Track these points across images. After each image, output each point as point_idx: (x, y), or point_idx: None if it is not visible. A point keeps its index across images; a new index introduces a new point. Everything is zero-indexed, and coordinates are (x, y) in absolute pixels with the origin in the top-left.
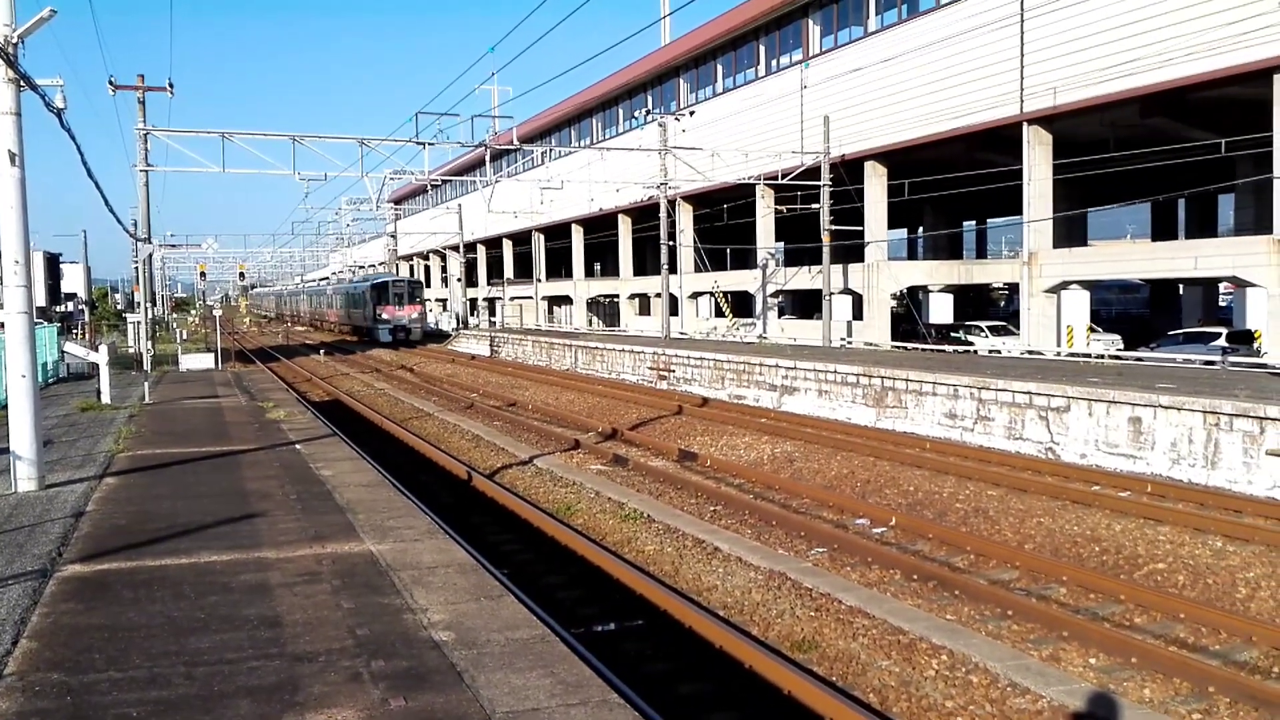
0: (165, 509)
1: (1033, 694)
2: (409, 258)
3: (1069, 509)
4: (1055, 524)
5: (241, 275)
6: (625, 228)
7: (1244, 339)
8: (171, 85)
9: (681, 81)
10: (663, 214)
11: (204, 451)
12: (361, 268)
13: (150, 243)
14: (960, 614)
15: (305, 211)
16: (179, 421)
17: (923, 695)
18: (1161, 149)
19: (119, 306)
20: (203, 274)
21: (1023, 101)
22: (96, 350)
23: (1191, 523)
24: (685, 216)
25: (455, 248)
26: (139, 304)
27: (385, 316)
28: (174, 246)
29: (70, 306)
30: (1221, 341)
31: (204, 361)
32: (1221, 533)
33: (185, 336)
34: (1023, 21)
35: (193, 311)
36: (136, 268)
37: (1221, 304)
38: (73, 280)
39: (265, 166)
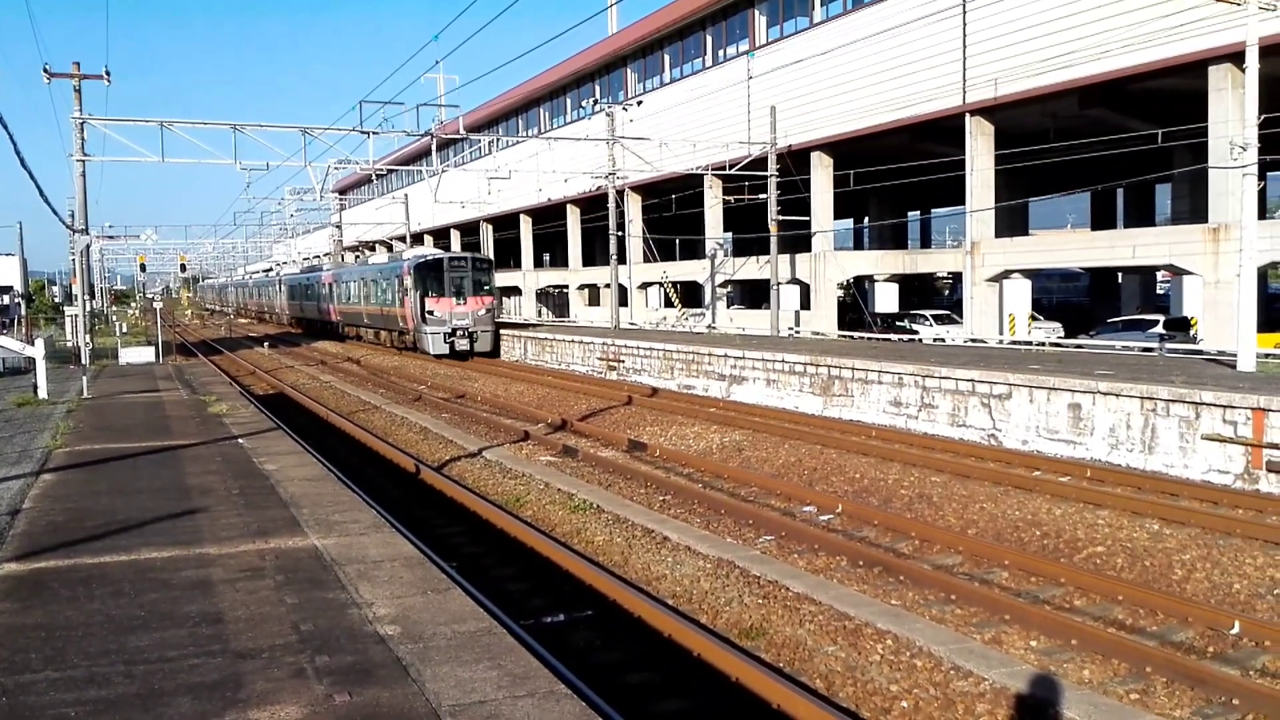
0: (104, 505)
1: (975, 676)
2: (354, 248)
3: (1011, 494)
4: (998, 509)
5: (183, 267)
6: (574, 218)
7: (1180, 326)
8: (108, 73)
9: (629, 71)
10: (611, 204)
11: (144, 447)
12: (308, 258)
13: (88, 234)
14: (905, 599)
15: (247, 202)
16: (118, 416)
17: (868, 680)
18: (1101, 139)
19: (57, 300)
20: (143, 266)
21: (965, 92)
22: (33, 344)
23: (1130, 506)
24: (634, 207)
25: (401, 238)
26: (77, 297)
27: (437, 314)
28: (112, 238)
29: (6, 300)
30: (1159, 329)
31: (144, 355)
32: (1158, 516)
33: (125, 330)
34: (965, 13)
35: (133, 304)
36: (74, 260)
37: (1159, 292)
38: (8, 273)
39: (206, 156)
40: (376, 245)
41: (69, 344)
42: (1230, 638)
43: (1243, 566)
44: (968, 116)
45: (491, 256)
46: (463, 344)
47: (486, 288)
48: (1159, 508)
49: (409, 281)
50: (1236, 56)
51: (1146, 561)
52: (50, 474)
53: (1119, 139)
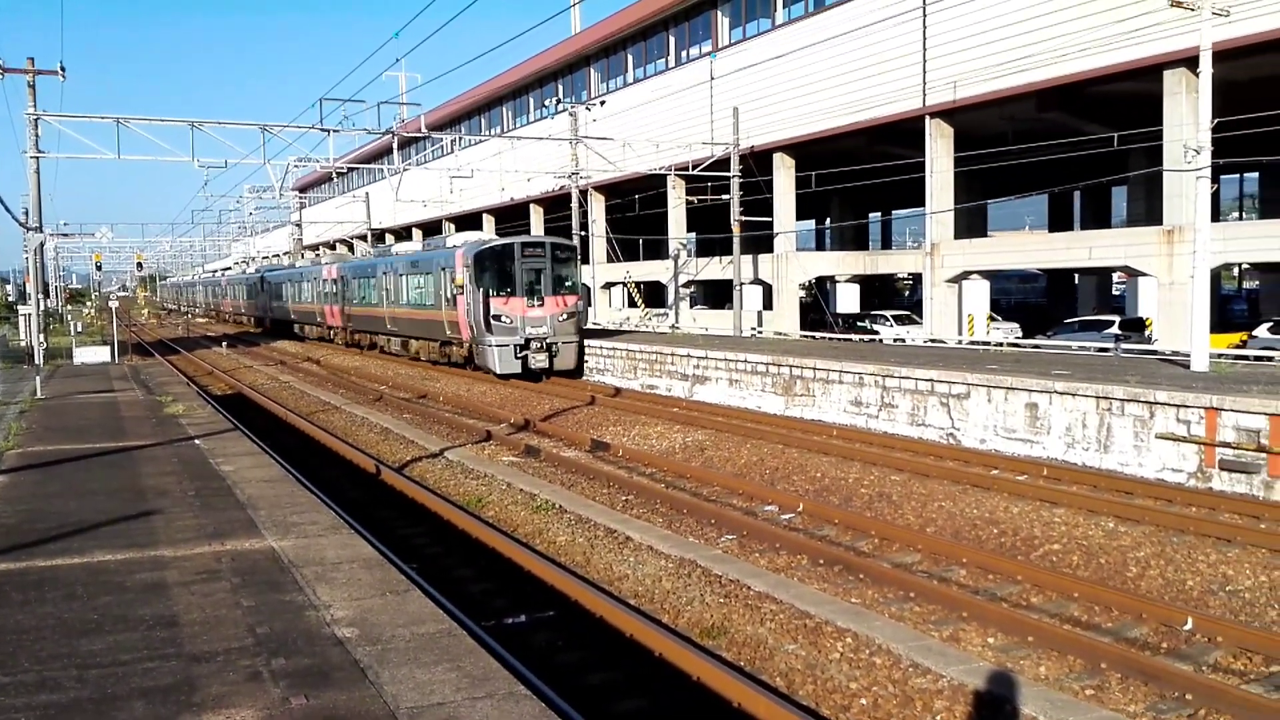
0: (57, 507)
1: (934, 674)
2: (315, 247)
3: (969, 492)
4: (956, 507)
5: (139, 265)
6: (537, 217)
7: (1136, 326)
8: (63, 68)
9: (592, 71)
10: (574, 204)
11: (98, 448)
12: (267, 257)
13: (41, 232)
14: (865, 597)
15: (205, 200)
16: (72, 417)
17: (828, 678)
18: (1058, 142)
19: (10, 298)
20: (99, 264)
21: (925, 95)
22: None
23: (1085, 505)
24: (597, 207)
25: (363, 237)
26: (31, 295)
27: (506, 319)
28: (67, 235)
29: None
30: (1115, 329)
31: (100, 355)
32: (1114, 514)
33: (80, 329)
34: (925, 16)
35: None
36: (28, 258)
37: (1115, 293)
38: None
39: (163, 153)
40: (337, 244)
41: (22, 343)
42: (1183, 634)
43: (1196, 563)
44: (927, 119)
45: (576, 242)
46: (540, 359)
47: (569, 284)
48: (1114, 506)
49: (465, 275)
50: (1190, 61)
51: (1102, 559)
52: (2, 475)
53: (1076, 142)
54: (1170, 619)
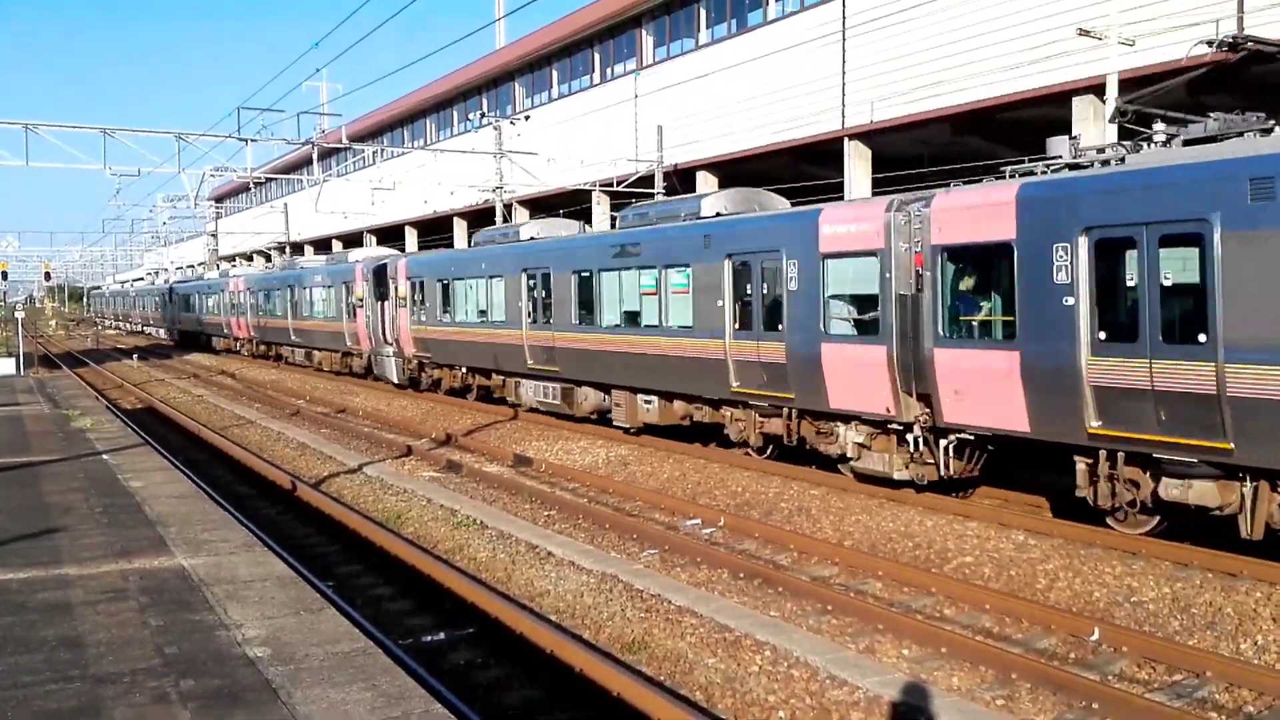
0: None
1: (850, 685)
2: (231, 258)
3: (886, 506)
4: (873, 521)
5: (47, 275)
6: (461, 230)
7: None
8: None
9: (517, 85)
10: (498, 218)
11: (0, 463)
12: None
13: None
14: (783, 610)
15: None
16: None
17: (747, 690)
18: (972, 164)
19: None
20: (3, 274)
21: (844, 117)
22: None
23: (997, 518)
24: (524, 217)
25: (281, 248)
26: None
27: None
28: None
29: None
30: None
31: (3, 367)
32: (1024, 528)
33: None
34: (844, 40)
35: None
36: None
37: None
38: None
39: (74, 161)
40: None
41: None
42: (1090, 644)
43: (1102, 575)
44: (846, 140)
45: None
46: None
47: None
48: (1024, 519)
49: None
50: (1098, 89)
51: (1012, 571)
52: None
53: (990, 165)
54: (1078, 629)
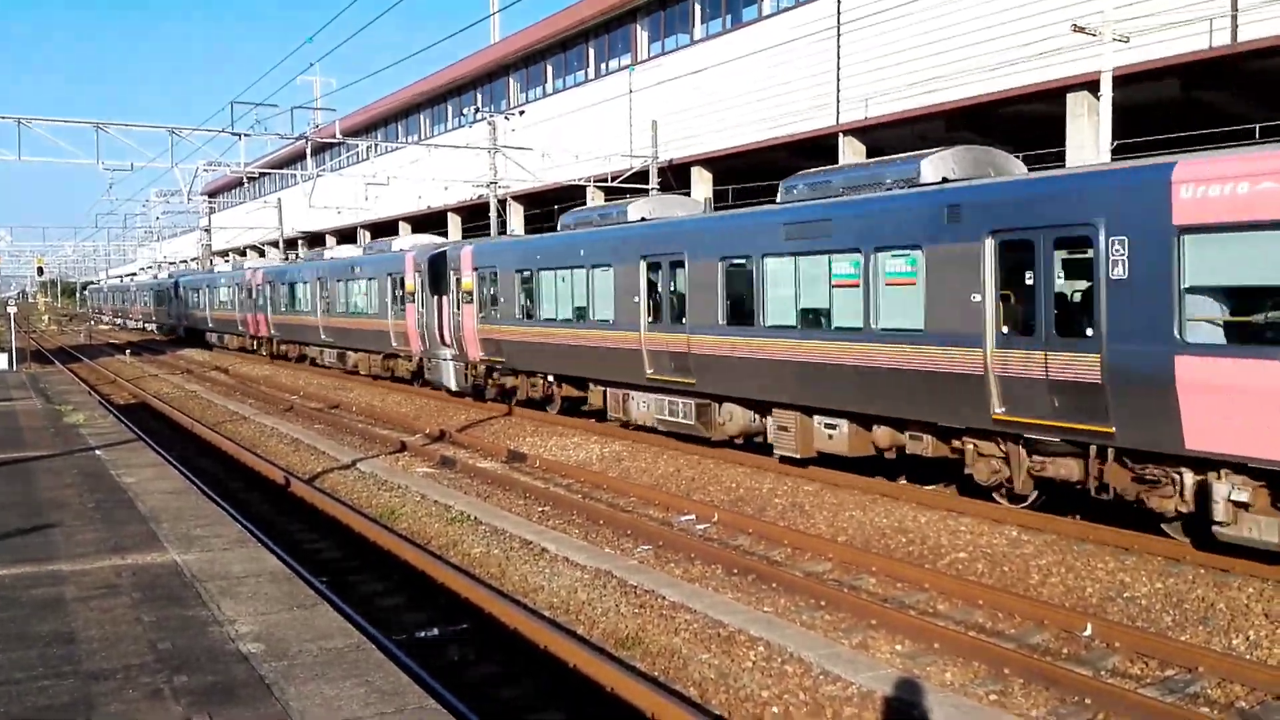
0: None
1: (843, 681)
2: (224, 253)
3: (879, 502)
4: (866, 517)
5: (40, 270)
6: (455, 226)
7: None
8: None
9: (512, 80)
10: (493, 213)
11: None
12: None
13: None
14: (777, 605)
15: (110, 203)
16: None
17: (741, 686)
18: None
19: None
20: None
21: (839, 113)
22: None
23: (990, 514)
24: (516, 216)
25: (275, 243)
26: None
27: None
28: None
29: None
30: None
31: None
32: (1017, 523)
33: None
34: (839, 35)
35: None
36: None
37: None
38: None
39: (66, 155)
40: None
41: None
42: (1083, 639)
43: (1095, 571)
44: (841, 136)
45: None
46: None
47: None
48: (1019, 515)
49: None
50: (1093, 85)
51: (1005, 567)
52: None
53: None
54: (1071, 625)
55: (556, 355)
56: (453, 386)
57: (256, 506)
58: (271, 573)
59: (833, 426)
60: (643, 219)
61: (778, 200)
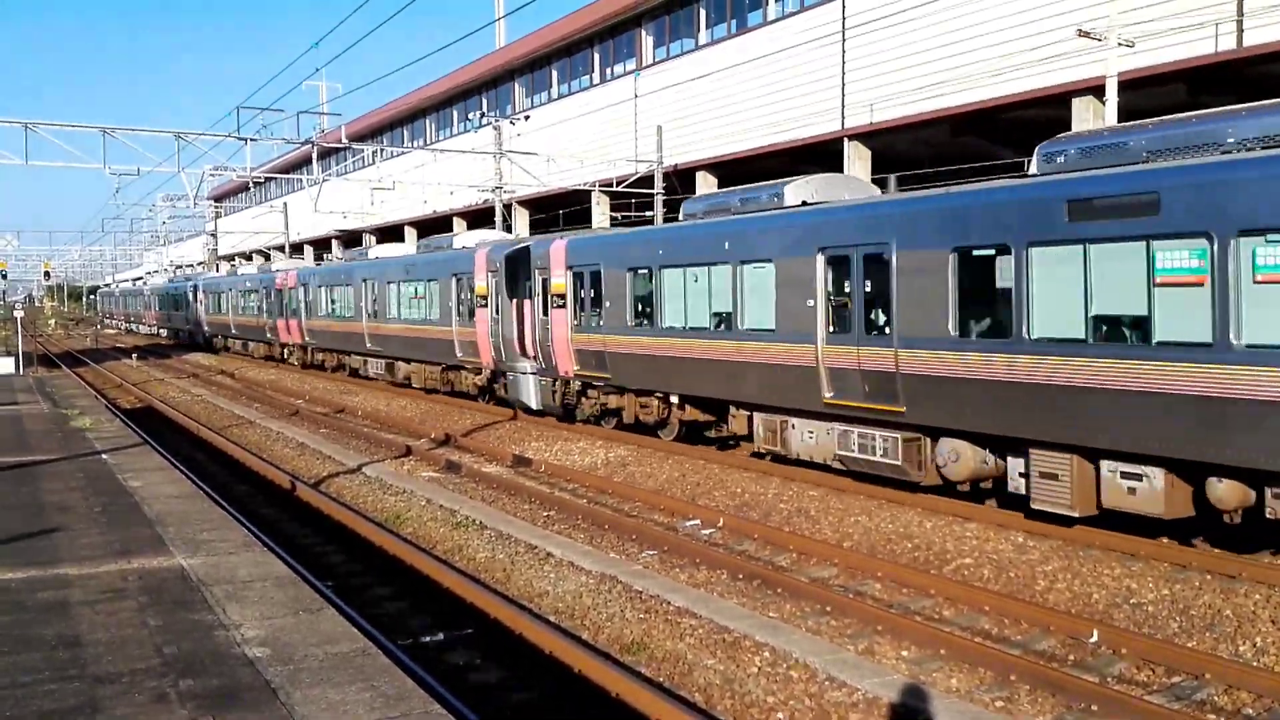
0: None
1: (849, 687)
2: (230, 258)
3: (885, 508)
4: (872, 522)
5: (47, 274)
6: (461, 230)
7: None
8: None
9: (517, 85)
10: (498, 218)
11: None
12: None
13: None
14: (782, 611)
15: (117, 208)
16: None
17: (746, 692)
18: (972, 165)
19: None
20: (3, 273)
21: (844, 118)
22: None
23: (996, 520)
24: (521, 221)
25: (280, 248)
26: None
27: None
28: None
29: None
30: None
31: (2, 366)
32: (1023, 529)
33: None
34: (844, 40)
35: None
36: None
37: None
38: None
39: (73, 159)
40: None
41: None
42: (1089, 645)
43: (1101, 577)
44: (845, 141)
45: None
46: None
47: None
48: (1024, 521)
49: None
50: (1098, 90)
51: (1011, 573)
52: None
53: (989, 165)
54: (1077, 631)
55: (683, 371)
56: (534, 405)
57: (262, 511)
58: (277, 577)
59: (1136, 478)
60: (804, 203)
61: (1031, 170)
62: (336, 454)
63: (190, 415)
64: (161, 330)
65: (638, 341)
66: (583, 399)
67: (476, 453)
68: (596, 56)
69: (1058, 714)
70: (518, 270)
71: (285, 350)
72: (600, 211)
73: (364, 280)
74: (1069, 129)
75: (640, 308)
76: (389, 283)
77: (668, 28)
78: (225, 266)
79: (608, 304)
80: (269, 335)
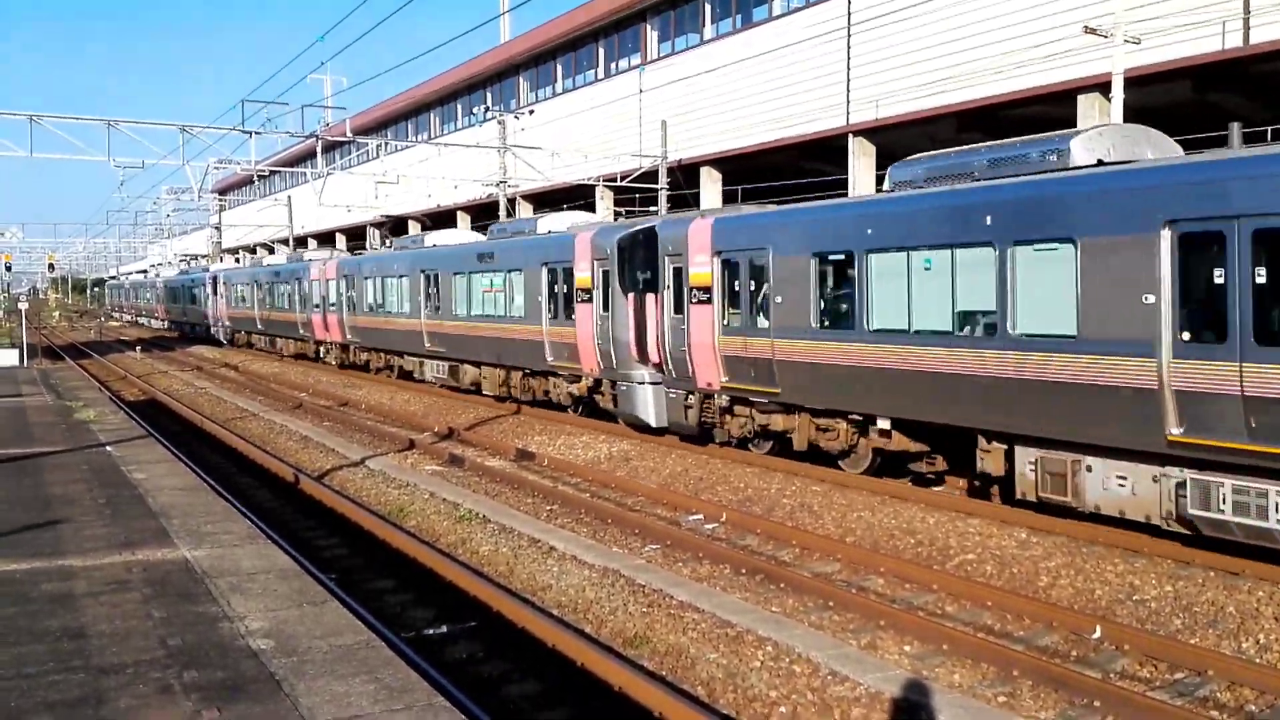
0: None
1: (851, 681)
2: (234, 251)
3: (888, 503)
4: (875, 518)
5: (51, 267)
6: (464, 225)
7: None
8: None
9: (521, 80)
10: (502, 212)
11: (2, 454)
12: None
13: None
14: (785, 606)
15: (121, 200)
16: None
17: (749, 686)
18: None
19: None
20: (7, 265)
21: (849, 114)
22: None
23: (999, 515)
24: (526, 213)
25: (284, 241)
26: None
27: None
28: None
29: None
30: None
31: (7, 358)
32: (1026, 525)
33: None
34: (849, 36)
35: None
36: None
37: None
38: None
39: (77, 152)
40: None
41: None
42: (1092, 641)
43: (1104, 573)
44: (850, 137)
45: None
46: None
47: None
48: (1026, 517)
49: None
50: (1103, 87)
51: (1014, 568)
52: None
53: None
54: (1080, 627)
55: (900, 388)
56: (652, 421)
57: (266, 503)
58: (281, 569)
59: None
60: (1100, 162)
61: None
62: (340, 447)
63: (194, 408)
64: (174, 325)
65: (826, 349)
66: (727, 417)
67: (480, 446)
68: (601, 51)
69: (1060, 710)
70: (635, 258)
71: (321, 349)
72: (604, 206)
73: (423, 272)
74: (1075, 126)
75: (832, 305)
76: (456, 274)
77: (673, 22)
78: (229, 260)
79: (778, 300)
80: (302, 332)
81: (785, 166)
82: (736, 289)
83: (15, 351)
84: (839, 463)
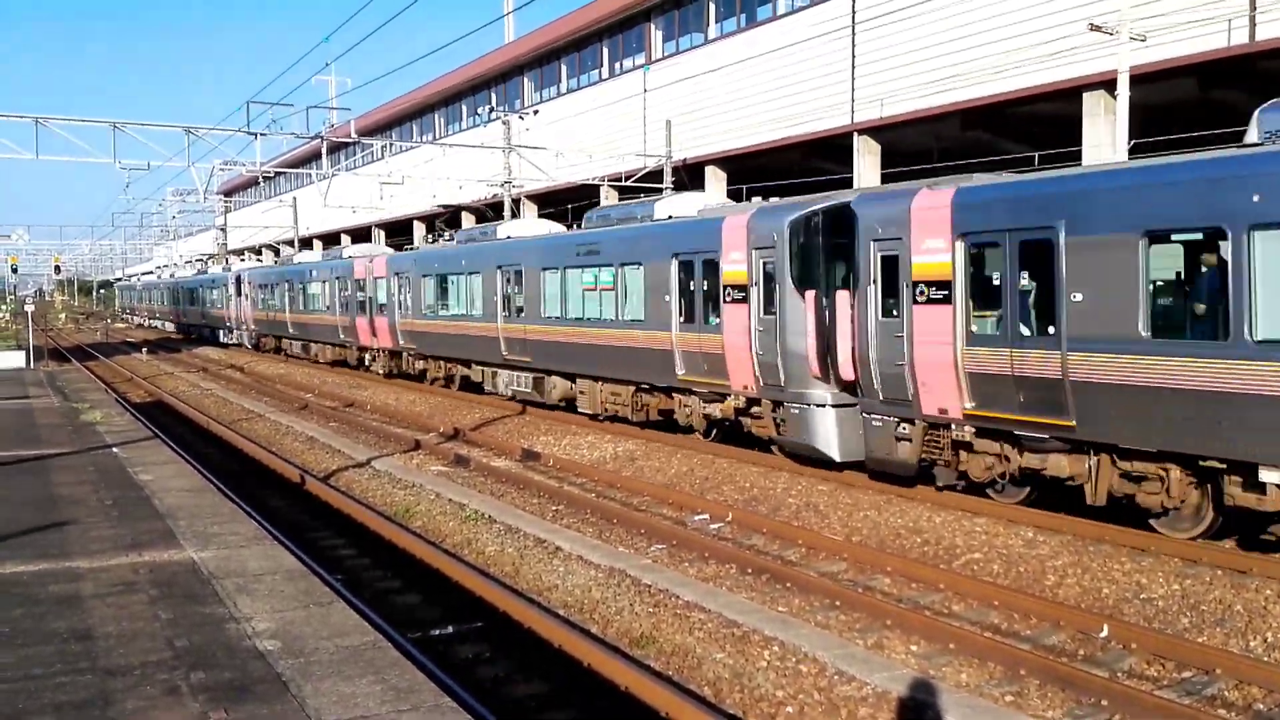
0: None
1: (858, 681)
2: (240, 252)
3: (894, 502)
4: (881, 517)
5: (57, 269)
6: (469, 224)
7: None
8: None
9: (526, 80)
10: (507, 213)
11: (10, 456)
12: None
13: None
14: (791, 605)
15: (127, 202)
16: None
17: (755, 686)
18: (981, 160)
19: None
20: (14, 267)
21: (854, 112)
22: None
23: (1005, 514)
24: (530, 215)
25: (290, 242)
26: None
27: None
28: None
29: None
30: None
31: (13, 360)
32: (1033, 524)
33: None
34: (854, 35)
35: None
36: None
37: None
38: None
39: (83, 154)
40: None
41: None
42: (1099, 640)
43: (1111, 572)
44: (855, 135)
45: None
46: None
47: None
48: (1033, 515)
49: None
50: (1109, 84)
51: (1021, 567)
52: None
53: (998, 160)
54: (1087, 626)
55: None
56: (837, 455)
57: (272, 504)
58: (288, 570)
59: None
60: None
61: None
62: (346, 448)
63: (200, 409)
64: (191, 329)
65: (1169, 367)
66: (964, 453)
67: (485, 447)
68: (605, 51)
69: (1068, 709)
70: (816, 245)
71: (366, 356)
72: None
73: (499, 267)
74: (1079, 124)
75: (1178, 304)
76: (546, 270)
77: (677, 22)
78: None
79: (1077, 298)
80: (343, 336)
81: (790, 166)
82: (996, 282)
83: (22, 353)
84: (1150, 522)
